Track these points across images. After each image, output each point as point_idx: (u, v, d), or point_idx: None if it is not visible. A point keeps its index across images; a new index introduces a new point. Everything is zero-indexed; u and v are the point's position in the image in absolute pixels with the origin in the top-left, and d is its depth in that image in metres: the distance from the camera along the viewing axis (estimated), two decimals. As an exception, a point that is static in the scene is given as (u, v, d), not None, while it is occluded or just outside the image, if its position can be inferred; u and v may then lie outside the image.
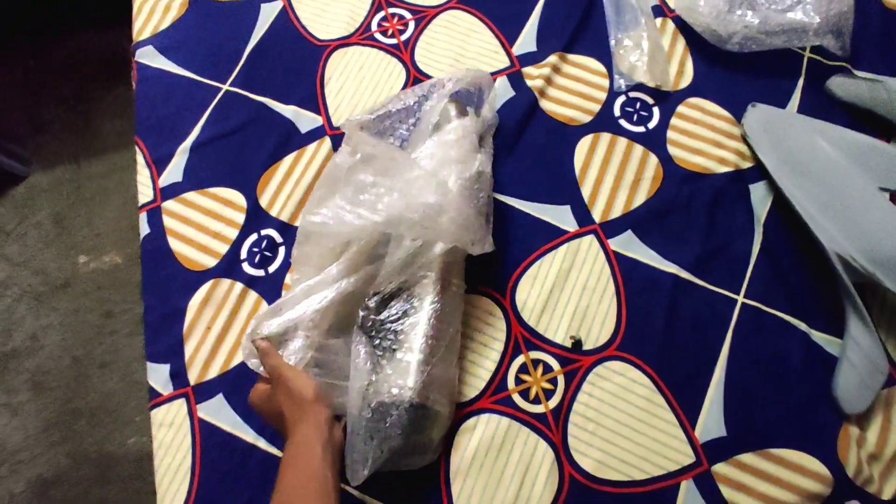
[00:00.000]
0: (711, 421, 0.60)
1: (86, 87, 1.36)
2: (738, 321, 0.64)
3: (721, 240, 0.67)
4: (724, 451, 0.59)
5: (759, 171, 0.70)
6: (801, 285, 0.66)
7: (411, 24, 0.80)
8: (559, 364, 0.62)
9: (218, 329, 0.65)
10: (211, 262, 0.68)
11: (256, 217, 0.70)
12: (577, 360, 0.62)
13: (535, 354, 0.62)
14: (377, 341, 0.54)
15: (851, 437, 0.60)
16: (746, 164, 0.71)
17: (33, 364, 1.17)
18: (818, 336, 0.64)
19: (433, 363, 0.54)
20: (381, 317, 0.55)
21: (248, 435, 0.61)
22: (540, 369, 0.62)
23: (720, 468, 0.59)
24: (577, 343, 0.63)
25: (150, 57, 0.80)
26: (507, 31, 0.79)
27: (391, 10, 0.81)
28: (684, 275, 0.66)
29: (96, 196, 1.28)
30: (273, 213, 0.70)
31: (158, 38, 0.81)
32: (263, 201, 0.71)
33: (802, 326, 0.64)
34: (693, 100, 0.74)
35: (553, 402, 0.61)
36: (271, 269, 0.68)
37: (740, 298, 0.65)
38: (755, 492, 0.58)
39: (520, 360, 0.62)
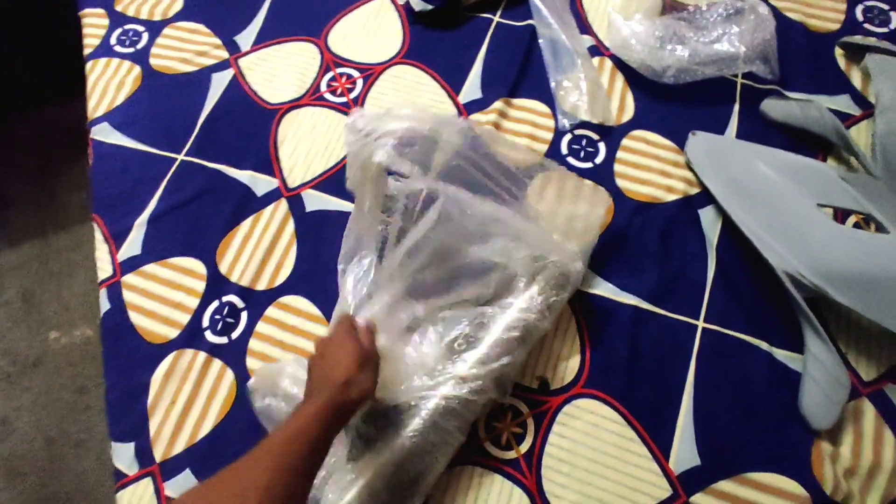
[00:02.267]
0: (684, 451, 0.60)
1: (49, 160, 1.37)
2: (701, 346, 0.64)
3: (676, 267, 0.68)
4: (700, 480, 0.59)
5: (706, 196, 0.72)
6: (759, 305, 0.67)
7: (359, 82, 0.82)
8: (527, 407, 0.62)
9: (182, 402, 0.64)
10: (173, 334, 0.68)
11: (217, 284, 0.70)
12: (544, 402, 0.62)
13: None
14: None
15: (825, 454, 0.60)
16: (694, 190, 0.73)
17: (6, 449, 1.13)
18: (781, 354, 0.64)
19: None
20: None
21: (217, 510, 0.59)
22: (509, 415, 0.62)
23: (698, 499, 0.58)
24: (544, 383, 0.63)
25: (105, 133, 0.81)
26: (452, 82, 0.81)
27: (339, 71, 0.84)
28: (644, 305, 0.66)
29: (64, 270, 1.27)
30: (233, 278, 0.70)
31: (113, 114, 0.83)
32: (223, 268, 0.71)
33: (764, 346, 0.65)
34: (636, 132, 0.77)
35: (524, 447, 0.60)
36: (234, 335, 0.67)
37: (700, 323, 0.66)
38: (735, 519, 0.57)
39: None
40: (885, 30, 0.82)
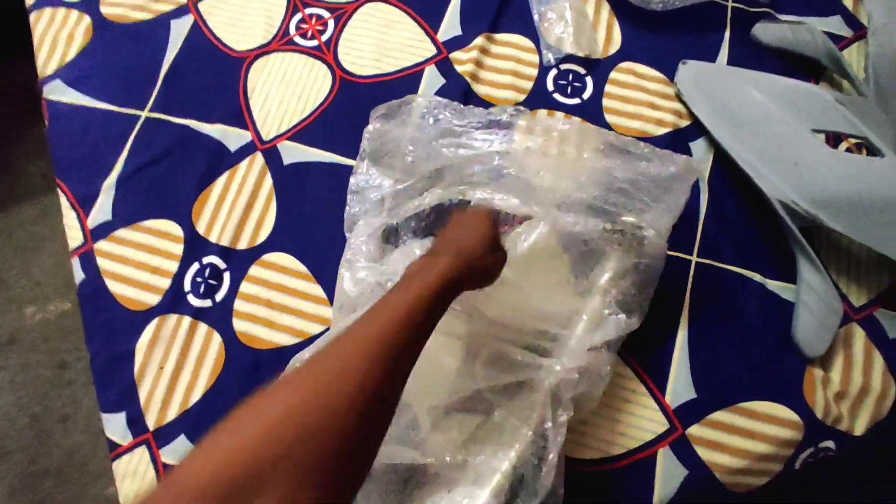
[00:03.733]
0: (680, 385, 0.61)
1: (2, 127, 1.28)
2: (695, 281, 0.64)
3: (668, 202, 0.67)
4: (696, 412, 0.60)
5: (697, 128, 0.70)
6: (751, 237, 0.66)
7: (331, 23, 0.77)
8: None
9: (171, 367, 0.63)
10: (154, 300, 0.65)
11: (196, 245, 0.67)
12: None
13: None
14: None
15: (816, 380, 0.61)
16: (684, 123, 0.71)
17: (-11, 430, 1.11)
18: (773, 285, 0.64)
19: None
20: None
21: (217, 472, 0.59)
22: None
23: (694, 430, 0.59)
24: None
25: (59, 92, 0.75)
26: (429, 18, 0.76)
27: (308, 11, 0.78)
28: (637, 243, 0.65)
29: (30, 243, 1.21)
30: (213, 238, 0.67)
31: (65, 70, 0.77)
32: (201, 228, 0.68)
33: (757, 277, 0.64)
34: (624, 64, 0.74)
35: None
36: (218, 297, 0.65)
37: (694, 258, 0.65)
38: (730, 448, 0.59)
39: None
40: (879, -56, 0.78)
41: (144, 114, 0.73)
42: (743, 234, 0.66)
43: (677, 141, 0.70)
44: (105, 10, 0.80)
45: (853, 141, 0.66)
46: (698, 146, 0.69)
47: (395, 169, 0.64)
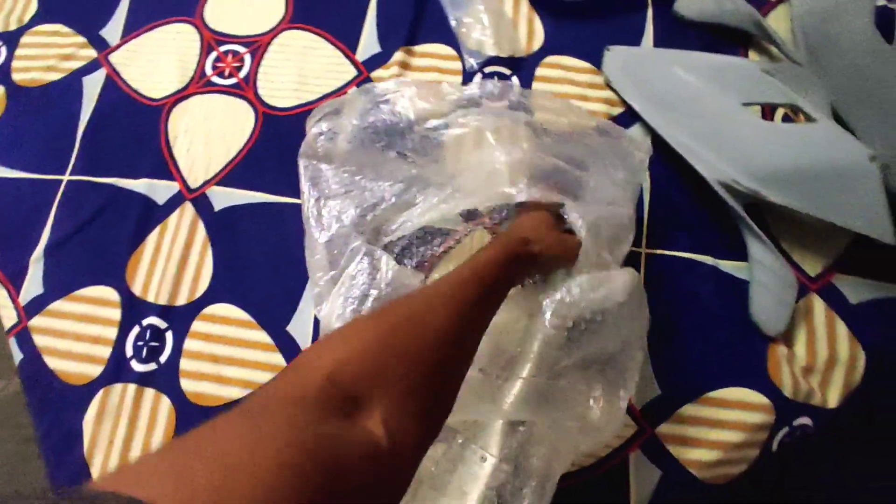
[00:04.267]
0: (644, 382, 0.59)
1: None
2: (647, 274, 0.62)
3: (610, 195, 0.65)
4: (664, 410, 0.58)
5: (631, 115, 0.68)
6: (698, 219, 0.64)
7: (247, 58, 0.75)
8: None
9: (121, 439, 0.60)
10: (96, 371, 0.63)
11: (133, 308, 0.65)
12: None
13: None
14: None
15: (781, 357, 0.59)
16: (617, 111, 0.69)
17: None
18: (726, 265, 0.63)
19: None
20: None
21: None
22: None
23: (664, 429, 0.57)
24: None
25: (-23, 166, 0.73)
26: (346, 40, 0.74)
27: (223, 49, 0.76)
28: (582, 242, 0.63)
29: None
30: (150, 298, 0.65)
31: (-18, 143, 0.74)
32: (136, 289, 0.65)
33: (709, 260, 0.63)
34: (550, 58, 0.72)
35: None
36: (162, 358, 0.63)
37: (643, 251, 0.63)
38: (703, 441, 0.57)
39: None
40: None
41: (66, 178, 0.71)
42: (689, 217, 0.64)
43: (612, 130, 0.68)
44: (17, 76, 0.77)
45: (789, 108, 0.64)
46: (634, 133, 0.68)
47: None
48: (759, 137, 0.59)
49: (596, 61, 0.71)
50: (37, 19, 0.81)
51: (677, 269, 0.62)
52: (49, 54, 0.78)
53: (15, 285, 0.67)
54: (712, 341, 0.60)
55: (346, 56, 0.74)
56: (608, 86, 0.69)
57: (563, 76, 0.71)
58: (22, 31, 0.81)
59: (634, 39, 0.71)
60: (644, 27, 0.72)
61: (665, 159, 0.66)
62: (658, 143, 0.66)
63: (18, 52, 0.79)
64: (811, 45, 0.64)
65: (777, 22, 0.70)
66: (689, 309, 0.61)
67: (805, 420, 0.59)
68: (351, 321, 0.33)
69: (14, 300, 0.66)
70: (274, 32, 0.76)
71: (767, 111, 0.67)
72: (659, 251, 0.63)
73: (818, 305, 0.60)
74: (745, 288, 0.61)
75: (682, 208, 0.65)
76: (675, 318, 0.61)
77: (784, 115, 0.67)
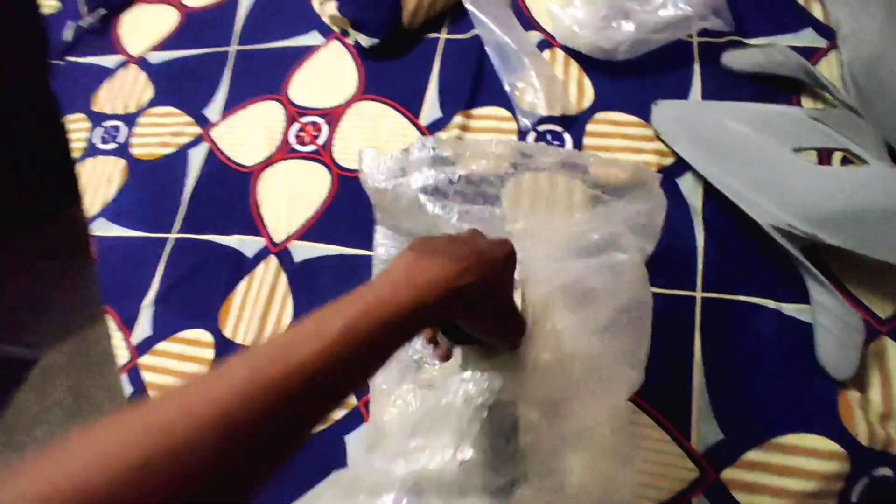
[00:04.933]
0: (705, 427, 0.58)
1: (72, 262, 1.45)
2: (703, 317, 0.63)
3: (662, 241, 0.67)
4: (728, 454, 0.57)
5: (682, 164, 0.71)
6: (758, 263, 0.65)
7: (324, 128, 0.85)
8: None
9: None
10: (192, 406, 0.70)
11: (224, 348, 0.73)
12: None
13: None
14: None
15: (853, 403, 0.57)
16: (668, 160, 0.71)
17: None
18: (790, 308, 0.62)
19: None
20: None
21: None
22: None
23: (729, 474, 0.56)
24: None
25: (103, 228, 0.86)
26: (411, 107, 0.82)
27: (304, 120, 0.86)
28: (637, 286, 0.65)
29: (103, 358, 1.34)
30: (238, 340, 0.73)
31: (108, 209, 0.87)
32: (227, 332, 0.74)
33: (771, 304, 0.63)
34: (600, 115, 0.76)
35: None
36: (248, 395, 0.70)
37: (698, 294, 0.64)
38: (771, 488, 0.55)
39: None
40: (835, -46, 0.79)
41: (173, 235, 0.82)
42: (748, 261, 0.65)
43: (664, 179, 0.70)
44: (135, 151, 0.91)
45: (845, 153, 0.64)
46: (686, 181, 0.70)
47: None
48: (811, 182, 0.59)
49: (645, 115, 0.74)
50: (152, 103, 0.96)
51: (737, 313, 0.63)
52: (162, 132, 0.92)
53: (128, 328, 0.77)
54: (777, 385, 0.59)
55: (411, 121, 0.82)
56: (658, 137, 0.72)
57: (614, 130, 0.75)
58: (140, 112, 0.95)
59: (682, 94, 0.74)
60: (691, 81, 0.75)
61: (721, 205, 0.67)
62: (711, 190, 0.68)
63: (136, 130, 0.94)
64: (861, 89, 0.64)
65: (829, 67, 0.72)
66: (751, 352, 0.61)
67: (886, 471, 0.56)
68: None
69: (127, 341, 0.76)
70: (348, 104, 0.85)
71: (825, 156, 0.67)
72: (716, 295, 0.64)
73: (891, 348, 0.58)
74: (810, 331, 0.60)
75: (740, 253, 0.65)
76: (736, 360, 0.60)
77: (843, 158, 0.67)
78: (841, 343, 0.56)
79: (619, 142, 0.74)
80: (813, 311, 0.59)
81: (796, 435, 0.56)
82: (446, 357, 0.44)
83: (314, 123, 0.86)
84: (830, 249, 0.61)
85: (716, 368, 0.60)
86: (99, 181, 0.90)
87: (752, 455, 0.57)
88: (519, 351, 0.40)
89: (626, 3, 0.78)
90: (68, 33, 1.03)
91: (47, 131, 1.27)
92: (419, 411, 0.44)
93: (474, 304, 0.32)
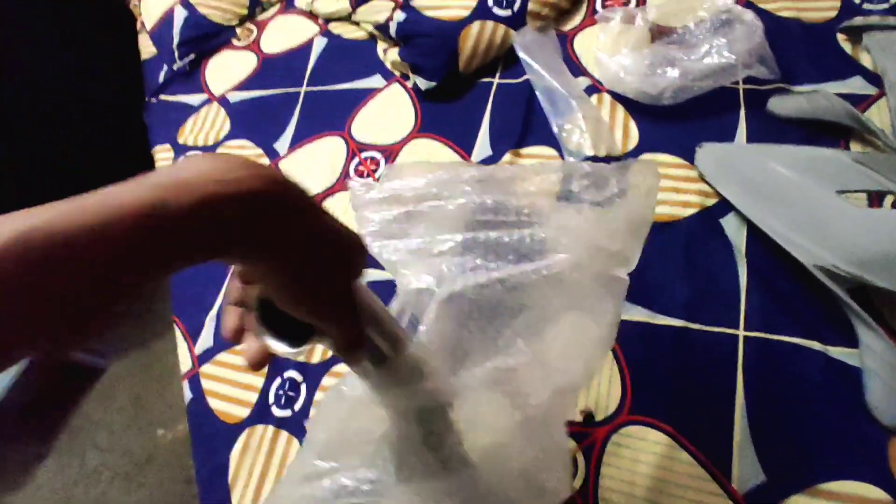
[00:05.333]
0: (746, 468, 0.58)
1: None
2: (746, 356, 0.63)
3: (705, 279, 0.68)
4: (769, 497, 0.56)
5: (725, 205, 0.72)
6: (804, 304, 0.64)
7: (382, 162, 0.91)
8: (574, 441, 0.62)
9: (257, 474, 0.71)
10: (245, 413, 0.75)
11: (277, 362, 0.78)
12: (589, 434, 0.62)
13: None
14: None
15: (905, 453, 0.55)
16: (711, 201, 0.73)
17: (131, 544, 1.25)
18: (836, 351, 0.61)
19: None
20: None
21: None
22: (557, 449, 0.62)
23: (770, 517, 0.55)
24: (590, 416, 0.64)
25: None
26: (464, 145, 0.88)
27: (364, 155, 0.93)
28: (678, 323, 0.66)
29: (164, 372, 1.42)
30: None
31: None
32: (282, 347, 0.79)
33: (816, 346, 0.62)
34: (644, 156, 0.79)
35: (577, 482, 0.60)
36: (297, 406, 0.74)
37: (741, 332, 0.64)
38: (816, 536, 0.54)
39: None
40: (884, 6, 0.80)
41: (239, 256, 0.89)
42: (793, 302, 0.64)
43: (707, 219, 0.72)
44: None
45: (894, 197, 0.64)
46: (729, 221, 0.71)
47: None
48: (856, 224, 0.60)
49: (689, 157, 0.77)
50: (228, 136, 1.06)
51: (782, 353, 0.62)
52: (236, 162, 1.01)
53: (193, 338, 0.84)
54: (824, 429, 0.58)
55: (463, 158, 0.87)
56: (702, 179, 0.74)
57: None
58: (217, 144, 1.05)
59: (727, 137, 0.76)
60: (737, 126, 0.77)
61: (764, 246, 0.68)
62: (754, 230, 0.69)
63: (215, 161, 1.03)
64: (912, 135, 0.65)
65: (880, 113, 0.72)
66: (795, 394, 0.60)
67: (942, 527, 0.53)
68: None
69: (191, 350, 0.83)
70: (405, 141, 0.92)
71: (875, 199, 0.67)
72: (758, 334, 0.64)
73: (947, 398, 0.56)
74: (858, 375, 0.59)
75: (785, 293, 0.65)
76: (779, 401, 0.60)
77: (894, 202, 0.67)
78: (891, 388, 0.55)
79: (663, 181, 0.76)
80: (861, 355, 0.58)
81: (842, 482, 0.55)
82: (257, 361, 0.33)
83: (373, 158, 0.92)
84: (880, 292, 0.60)
85: (759, 408, 0.60)
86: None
87: (796, 500, 0.55)
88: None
89: (671, 52, 0.81)
90: (162, 75, 1.16)
91: (137, 161, 1.41)
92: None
93: (263, 235, 0.23)
